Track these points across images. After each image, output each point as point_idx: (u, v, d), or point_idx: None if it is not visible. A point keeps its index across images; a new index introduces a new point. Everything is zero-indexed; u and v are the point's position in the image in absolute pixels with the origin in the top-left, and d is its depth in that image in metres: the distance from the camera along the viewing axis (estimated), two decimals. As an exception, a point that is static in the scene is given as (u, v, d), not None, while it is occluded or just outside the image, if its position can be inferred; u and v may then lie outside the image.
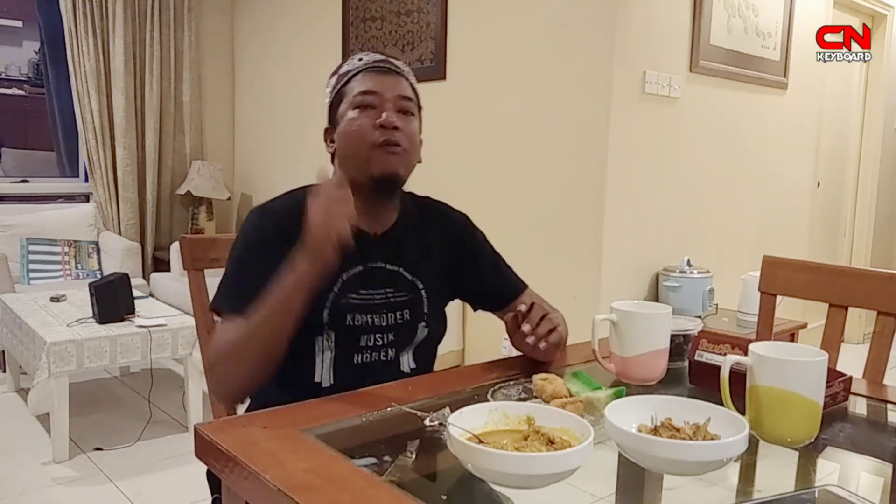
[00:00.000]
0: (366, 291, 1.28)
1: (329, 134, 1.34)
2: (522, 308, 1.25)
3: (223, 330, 1.20)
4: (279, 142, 4.77)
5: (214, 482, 1.37)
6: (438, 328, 1.38)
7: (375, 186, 1.26)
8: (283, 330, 1.13)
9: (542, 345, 1.23)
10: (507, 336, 1.33)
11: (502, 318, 1.39)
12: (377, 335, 1.29)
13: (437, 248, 1.39)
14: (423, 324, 1.34)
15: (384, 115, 1.24)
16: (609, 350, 1.23)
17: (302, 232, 1.13)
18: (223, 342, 1.18)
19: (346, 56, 4.07)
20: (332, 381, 1.27)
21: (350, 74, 1.30)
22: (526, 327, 1.22)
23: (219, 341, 1.19)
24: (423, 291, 1.34)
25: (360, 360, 1.29)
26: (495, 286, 1.44)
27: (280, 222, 1.24)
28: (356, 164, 1.26)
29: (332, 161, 1.35)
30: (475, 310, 1.48)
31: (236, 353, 1.15)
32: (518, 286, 1.45)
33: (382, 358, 1.31)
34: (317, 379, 1.27)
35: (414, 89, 1.33)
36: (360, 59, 1.32)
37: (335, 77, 1.34)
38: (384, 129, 1.24)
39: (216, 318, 1.31)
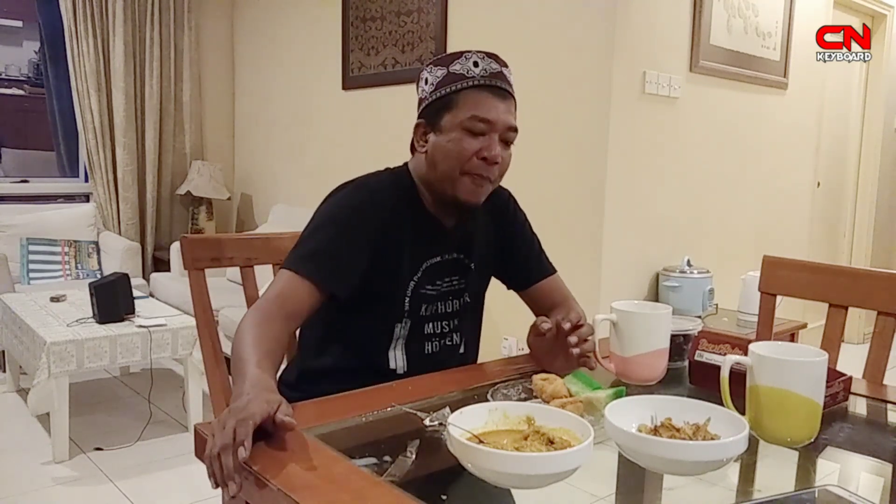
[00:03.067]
0: (439, 281, 1.34)
1: (423, 133, 1.31)
2: (567, 325, 1.20)
3: (284, 296, 1.17)
4: (279, 142, 4.77)
5: None
6: (479, 301, 1.45)
7: (455, 205, 1.30)
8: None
9: (581, 360, 1.22)
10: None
11: (525, 300, 1.48)
12: (444, 322, 1.37)
13: (487, 226, 1.43)
14: (467, 298, 1.41)
15: (491, 149, 1.25)
16: (609, 350, 1.23)
17: (392, 219, 1.25)
18: (241, 333, 1.13)
19: (346, 54, 4.07)
20: (405, 369, 1.33)
21: (464, 83, 1.26)
22: (573, 339, 1.19)
23: (244, 326, 1.13)
24: (476, 274, 1.41)
25: (430, 349, 1.36)
26: (527, 263, 1.48)
27: (377, 207, 1.27)
28: (446, 182, 1.27)
29: (412, 152, 1.34)
30: (508, 288, 1.51)
31: (233, 348, 1.13)
32: (546, 270, 1.49)
33: (448, 343, 1.38)
34: (392, 365, 1.33)
35: (516, 110, 1.32)
36: (476, 65, 1.28)
37: (443, 72, 1.28)
38: (486, 161, 1.25)
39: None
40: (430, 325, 1.35)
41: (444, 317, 1.36)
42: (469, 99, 1.25)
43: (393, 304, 1.30)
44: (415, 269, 1.31)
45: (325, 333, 1.35)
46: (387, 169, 1.37)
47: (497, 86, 1.27)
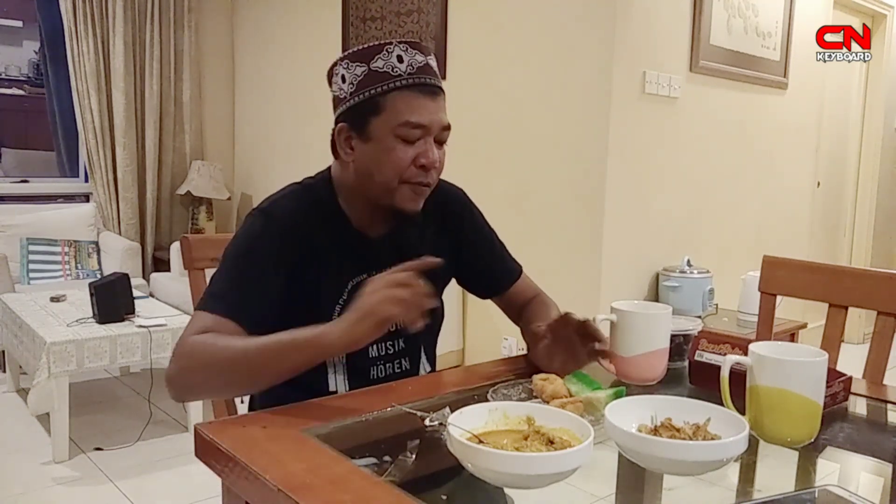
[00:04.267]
0: None
1: (347, 139, 1.20)
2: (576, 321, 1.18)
3: (214, 332, 1.09)
4: (279, 142, 4.77)
5: None
6: (437, 320, 1.34)
7: (394, 214, 1.22)
8: (279, 376, 1.07)
9: (601, 354, 1.19)
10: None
11: (497, 304, 1.42)
12: (388, 343, 1.27)
13: (436, 231, 1.33)
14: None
15: (429, 155, 1.17)
16: (609, 350, 1.23)
17: (307, 240, 1.13)
18: (213, 347, 1.07)
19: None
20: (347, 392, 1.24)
21: (390, 84, 1.16)
22: (595, 338, 1.17)
23: (206, 343, 1.07)
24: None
25: (376, 374, 1.27)
26: (492, 269, 1.41)
27: (286, 232, 1.18)
28: (382, 192, 1.19)
29: (335, 156, 1.25)
30: (475, 295, 1.44)
31: (220, 366, 1.07)
32: (513, 272, 1.42)
33: (397, 369, 1.29)
34: (332, 388, 1.24)
35: (445, 104, 1.23)
36: (401, 60, 1.16)
37: (363, 69, 1.17)
38: (424, 168, 1.17)
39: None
40: (372, 347, 1.24)
41: (386, 337, 1.24)
42: (398, 102, 1.15)
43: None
44: (339, 290, 1.22)
45: None
46: (303, 181, 1.27)
47: (426, 83, 1.17)
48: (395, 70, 1.16)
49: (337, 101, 1.22)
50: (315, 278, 1.20)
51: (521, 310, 1.42)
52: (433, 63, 1.21)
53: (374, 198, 1.21)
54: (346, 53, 1.21)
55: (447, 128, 1.20)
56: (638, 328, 1.18)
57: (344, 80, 1.19)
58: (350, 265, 1.23)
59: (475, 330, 3.36)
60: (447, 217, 1.35)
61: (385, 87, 1.15)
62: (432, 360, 1.38)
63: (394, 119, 1.15)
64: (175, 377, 1.09)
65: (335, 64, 1.22)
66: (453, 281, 1.42)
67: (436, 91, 1.19)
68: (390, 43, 1.17)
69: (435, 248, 1.28)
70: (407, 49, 1.17)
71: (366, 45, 1.19)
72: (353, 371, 1.25)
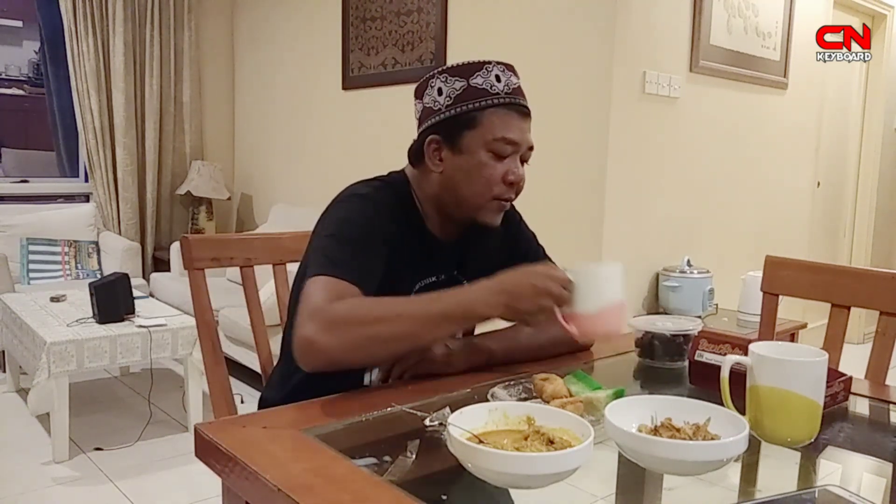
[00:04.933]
0: None
1: (437, 150, 1.24)
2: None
3: (353, 297, 1.10)
4: (279, 142, 4.77)
5: None
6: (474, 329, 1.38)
7: (472, 226, 1.26)
8: (418, 339, 1.11)
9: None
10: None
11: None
12: None
13: (495, 246, 1.38)
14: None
15: (517, 172, 1.22)
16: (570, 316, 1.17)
17: (394, 233, 1.18)
18: (369, 309, 1.09)
19: (346, 54, 4.07)
20: None
21: (489, 101, 1.21)
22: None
23: (357, 306, 1.09)
24: None
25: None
26: None
27: (386, 219, 1.21)
28: (469, 205, 1.24)
29: (413, 163, 1.28)
30: None
31: (381, 329, 1.07)
32: None
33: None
34: (365, 382, 1.26)
35: None
36: (499, 80, 1.22)
37: (462, 84, 1.21)
38: (511, 185, 1.23)
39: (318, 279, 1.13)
40: None
41: None
42: (495, 119, 1.20)
43: None
44: (408, 288, 1.26)
45: None
46: (383, 178, 1.30)
47: (520, 104, 1.23)
48: (493, 88, 1.21)
49: (428, 113, 1.25)
50: (395, 273, 1.22)
51: None
52: (519, 84, 1.26)
53: (457, 208, 1.25)
54: (444, 67, 1.25)
55: (531, 148, 1.25)
56: (591, 283, 1.16)
57: (440, 93, 1.23)
58: (421, 266, 1.28)
59: (475, 330, 3.36)
60: (507, 230, 1.38)
61: (483, 104, 1.20)
62: None
63: (489, 134, 1.20)
64: (334, 344, 1.06)
65: (431, 76, 1.25)
66: None
67: (526, 113, 1.25)
68: (490, 62, 1.23)
69: (498, 258, 1.32)
70: (504, 70, 1.24)
71: (465, 62, 1.24)
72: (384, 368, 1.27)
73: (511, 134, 1.20)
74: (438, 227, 1.29)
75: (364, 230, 1.19)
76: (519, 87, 1.25)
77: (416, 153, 1.27)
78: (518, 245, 1.42)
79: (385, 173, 1.33)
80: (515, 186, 1.24)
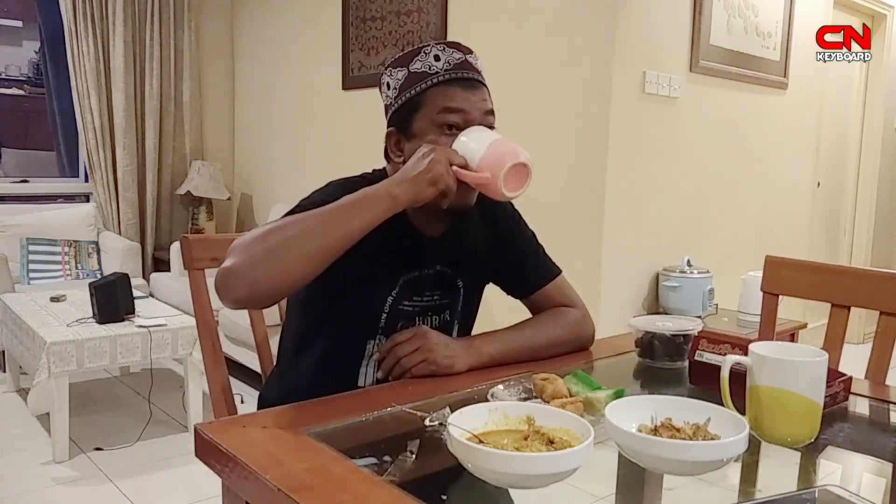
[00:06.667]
0: (418, 297, 1.28)
1: (396, 142, 1.24)
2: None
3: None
4: (279, 142, 4.77)
5: None
6: (468, 323, 1.38)
7: (446, 212, 1.22)
8: (326, 234, 1.04)
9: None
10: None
11: (527, 307, 1.41)
12: None
13: (479, 234, 1.35)
14: (456, 322, 1.35)
15: None
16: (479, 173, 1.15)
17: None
18: (268, 225, 1.08)
19: (346, 54, 4.07)
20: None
21: (428, 81, 1.19)
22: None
23: (262, 227, 1.09)
24: (461, 290, 1.33)
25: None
26: (524, 272, 1.39)
27: None
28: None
29: (388, 160, 1.28)
30: (505, 291, 1.43)
31: (283, 237, 1.04)
32: (546, 275, 1.40)
33: None
34: (360, 383, 1.27)
35: (490, 95, 1.23)
36: (438, 59, 1.19)
37: (403, 73, 1.21)
38: None
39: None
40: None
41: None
42: (437, 95, 1.18)
43: (369, 319, 1.24)
44: (392, 283, 1.24)
45: (299, 347, 1.30)
46: (365, 174, 1.30)
47: (464, 77, 1.19)
48: (431, 68, 1.19)
49: (386, 109, 1.26)
50: (373, 266, 1.21)
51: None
52: (473, 60, 1.23)
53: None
54: (391, 61, 1.25)
55: (490, 112, 1.21)
56: (470, 137, 1.16)
57: (389, 87, 1.24)
58: (404, 260, 1.26)
59: (475, 330, 3.36)
60: (487, 218, 1.36)
61: (424, 85, 1.19)
62: None
63: (433, 110, 1.18)
64: (243, 261, 1.03)
65: (381, 74, 1.26)
66: None
67: (475, 84, 1.20)
68: (428, 45, 1.21)
69: (487, 249, 1.34)
70: (444, 48, 1.21)
71: (405, 51, 1.23)
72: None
73: (453, 103, 1.17)
74: (420, 221, 1.26)
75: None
76: (463, 61, 1.21)
77: (385, 151, 1.28)
78: (515, 245, 1.40)
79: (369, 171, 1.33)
80: None
